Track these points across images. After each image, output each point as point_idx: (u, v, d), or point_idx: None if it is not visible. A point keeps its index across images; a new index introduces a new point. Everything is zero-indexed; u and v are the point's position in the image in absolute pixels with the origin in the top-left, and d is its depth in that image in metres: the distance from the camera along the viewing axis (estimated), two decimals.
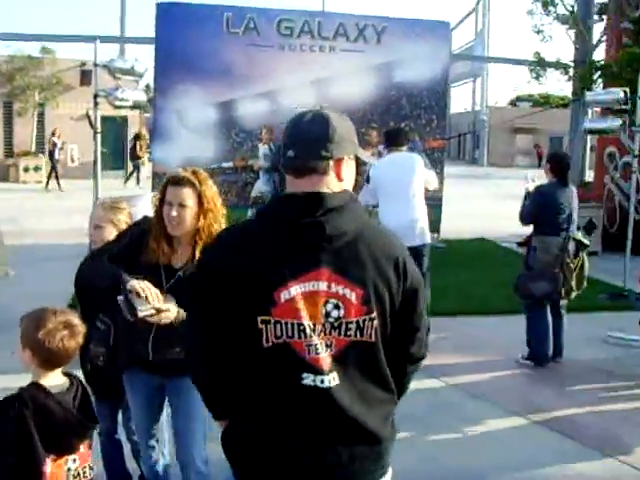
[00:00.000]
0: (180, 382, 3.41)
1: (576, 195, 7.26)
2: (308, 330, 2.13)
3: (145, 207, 4.31)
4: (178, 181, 3.35)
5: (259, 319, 2.13)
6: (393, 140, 7.62)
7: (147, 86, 25.60)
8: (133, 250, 3.42)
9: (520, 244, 13.91)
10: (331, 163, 2.21)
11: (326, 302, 2.15)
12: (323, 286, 2.15)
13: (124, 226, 3.95)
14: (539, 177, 7.59)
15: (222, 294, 2.17)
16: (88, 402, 2.91)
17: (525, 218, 7.18)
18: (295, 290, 2.13)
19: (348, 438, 2.20)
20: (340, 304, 2.16)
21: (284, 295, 2.13)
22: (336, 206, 2.17)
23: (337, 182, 2.23)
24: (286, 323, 2.13)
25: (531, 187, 7.25)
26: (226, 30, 12.37)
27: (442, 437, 5.47)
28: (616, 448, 5.27)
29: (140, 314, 3.10)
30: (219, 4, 12.94)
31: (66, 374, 2.90)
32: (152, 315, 3.14)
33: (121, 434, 4.18)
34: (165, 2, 12.55)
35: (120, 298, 3.18)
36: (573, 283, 6.94)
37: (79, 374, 3.15)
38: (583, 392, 6.51)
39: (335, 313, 2.16)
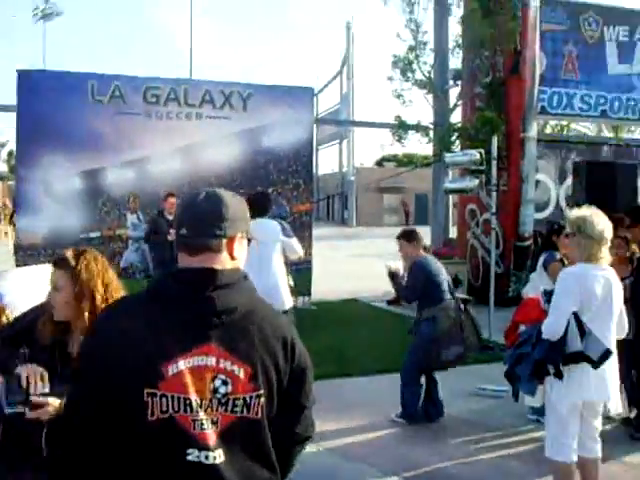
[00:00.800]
0: None
1: None
2: (195, 405, 2.11)
3: (13, 285, 4.11)
4: (55, 262, 3.21)
5: (145, 392, 2.08)
6: (255, 207, 7.69)
7: (10, 153, 25.00)
8: (28, 333, 3.20)
9: (390, 302, 14.31)
10: (224, 241, 2.24)
11: (214, 378, 2.14)
12: (212, 361, 2.14)
13: None
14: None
15: (109, 365, 2.12)
16: None
17: (412, 296, 7.31)
18: (183, 364, 2.11)
19: None
20: (228, 380, 2.15)
21: (172, 369, 2.10)
22: (227, 283, 2.19)
23: (230, 260, 2.26)
24: (172, 397, 2.10)
25: (394, 266, 7.45)
26: (91, 98, 12.24)
27: None
28: None
29: (8, 410, 2.88)
30: (83, 72, 12.82)
31: None
32: (24, 409, 2.88)
33: None
34: (26, 70, 12.35)
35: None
36: (473, 338, 7.22)
37: None
38: (456, 445, 6.66)
39: (223, 389, 2.15)
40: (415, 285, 7.18)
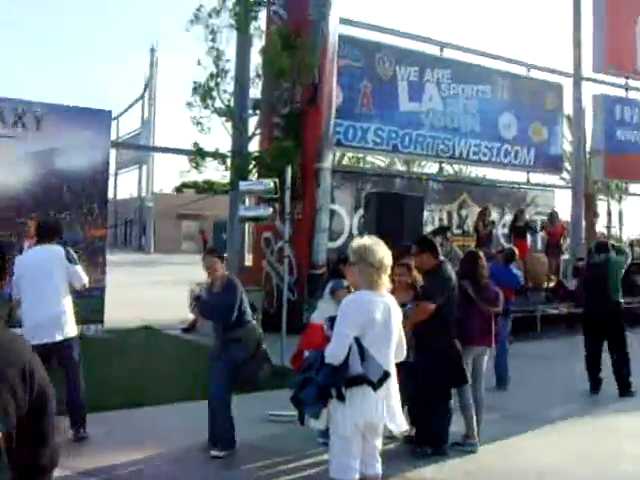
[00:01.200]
0: None
1: None
2: None
3: None
4: None
5: None
6: (44, 233, 7.47)
7: None
8: None
9: (185, 330, 14.22)
10: None
11: None
12: None
13: None
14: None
15: None
16: None
17: (231, 314, 7.20)
18: None
19: None
20: None
21: None
22: None
23: None
24: None
25: (198, 289, 7.42)
26: None
27: None
28: None
29: None
30: None
31: None
32: None
33: None
34: None
35: None
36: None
37: None
38: (246, 472, 6.69)
39: None
40: (235, 303, 7.12)
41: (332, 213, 16.36)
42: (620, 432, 8.46)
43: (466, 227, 20.12)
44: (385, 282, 4.94)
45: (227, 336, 7.15)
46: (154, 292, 20.83)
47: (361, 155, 31.97)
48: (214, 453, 7.00)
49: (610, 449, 7.73)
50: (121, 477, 6.40)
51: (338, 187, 17.43)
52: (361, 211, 15.82)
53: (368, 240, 5.04)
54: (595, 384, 10.35)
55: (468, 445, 7.46)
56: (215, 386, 7.17)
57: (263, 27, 15.97)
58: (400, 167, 38.04)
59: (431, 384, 7.14)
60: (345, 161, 35.73)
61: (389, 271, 4.98)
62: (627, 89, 24.67)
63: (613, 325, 10.35)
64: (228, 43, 15.13)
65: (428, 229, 17.41)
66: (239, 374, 7.17)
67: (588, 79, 23.71)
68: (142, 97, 55.14)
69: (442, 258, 7.53)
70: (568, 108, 24.18)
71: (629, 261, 11.27)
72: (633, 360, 10.35)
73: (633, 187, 29.32)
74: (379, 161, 37.46)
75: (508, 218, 20.90)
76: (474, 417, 7.53)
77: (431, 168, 30.26)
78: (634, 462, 7.29)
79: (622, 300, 10.66)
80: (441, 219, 19.96)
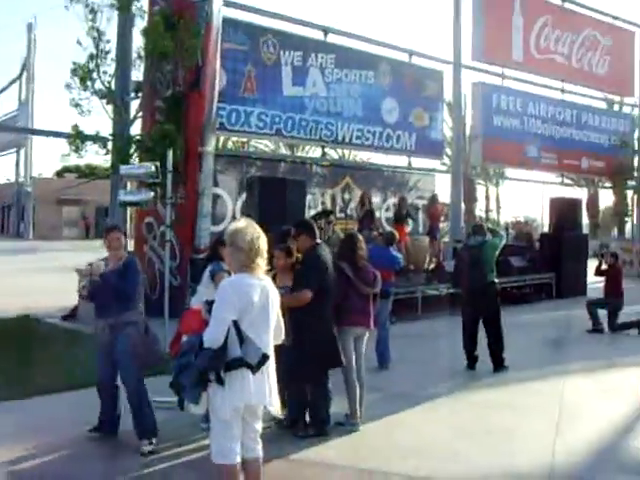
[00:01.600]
0: None
1: None
2: None
3: None
4: None
5: None
6: None
7: None
8: None
9: (65, 318, 13.90)
10: None
11: None
12: None
13: None
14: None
15: None
16: None
17: (135, 294, 7.06)
18: None
19: None
20: None
21: None
22: None
23: None
24: None
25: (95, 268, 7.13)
26: None
27: None
28: None
29: None
30: None
31: None
32: None
33: None
34: None
35: None
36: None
37: None
38: (130, 459, 6.61)
39: None
40: (139, 283, 7.08)
41: (216, 197, 16.31)
42: (494, 406, 8.79)
43: (349, 210, 20.42)
44: (261, 265, 4.95)
45: (121, 319, 6.92)
46: (32, 280, 20.26)
47: (245, 139, 31.87)
48: (146, 449, 6.77)
49: (485, 422, 8.04)
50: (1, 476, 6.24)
51: (222, 171, 17.38)
52: (245, 195, 15.81)
53: (241, 223, 5.03)
54: (471, 361, 10.72)
55: (350, 424, 7.60)
56: (125, 370, 6.97)
57: (145, 7, 15.69)
58: (284, 151, 38.07)
59: (308, 366, 7.19)
60: (230, 145, 35.53)
61: (265, 254, 4.99)
62: (503, 78, 25.50)
63: (488, 304, 10.70)
64: (109, 23, 14.82)
65: (312, 213, 17.59)
66: (147, 352, 7.09)
67: (467, 67, 24.32)
68: (19, 77, 53.16)
69: (318, 241, 7.53)
70: (448, 94, 24.78)
71: (504, 243, 11.64)
72: (506, 337, 10.74)
73: (510, 172, 30.31)
74: (264, 146, 37.41)
75: (391, 201, 21.36)
76: (357, 396, 7.67)
77: (315, 152, 30.43)
78: (506, 433, 7.63)
79: (497, 280, 11.02)
80: (324, 203, 20.17)
